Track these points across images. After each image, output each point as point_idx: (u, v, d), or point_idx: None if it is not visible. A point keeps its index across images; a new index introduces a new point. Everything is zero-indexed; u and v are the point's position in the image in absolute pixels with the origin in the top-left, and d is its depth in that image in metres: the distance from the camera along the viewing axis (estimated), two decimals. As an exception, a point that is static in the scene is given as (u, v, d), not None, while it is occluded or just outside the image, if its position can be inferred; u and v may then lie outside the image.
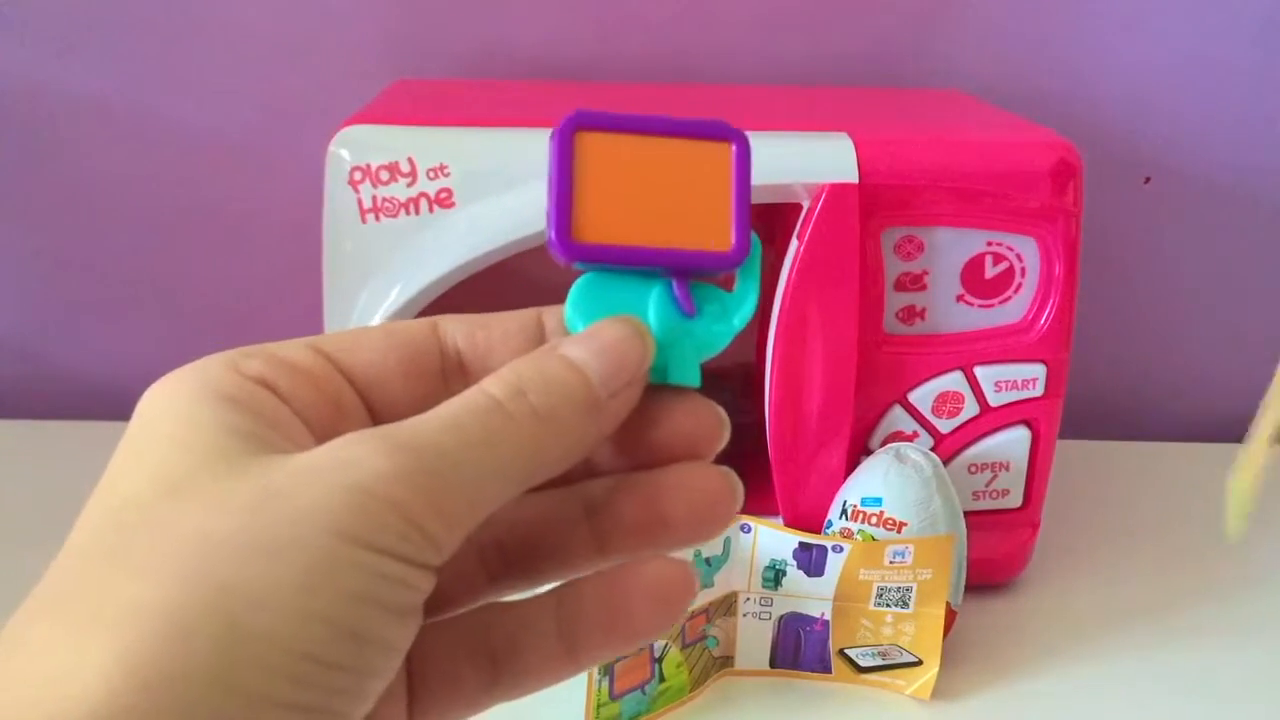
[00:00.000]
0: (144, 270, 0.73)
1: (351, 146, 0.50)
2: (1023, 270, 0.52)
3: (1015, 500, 0.56)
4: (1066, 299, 0.52)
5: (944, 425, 0.53)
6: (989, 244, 0.52)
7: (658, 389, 0.25)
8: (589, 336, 0.24)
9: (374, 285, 0.50)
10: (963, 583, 0.52)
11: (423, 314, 0.51)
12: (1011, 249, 0.52)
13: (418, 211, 0.50)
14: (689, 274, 0.26)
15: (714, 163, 0.26)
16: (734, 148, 0.26)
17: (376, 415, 0.25)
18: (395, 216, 0.50)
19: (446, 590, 0.24)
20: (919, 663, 0.50)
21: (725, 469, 0.25)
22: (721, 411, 0.25)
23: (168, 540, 0.20)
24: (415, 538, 0.21)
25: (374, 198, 0.50)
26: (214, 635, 0.19)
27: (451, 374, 0.25)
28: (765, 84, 0.70)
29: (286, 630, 0.19)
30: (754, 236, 0.26)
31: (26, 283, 0.74)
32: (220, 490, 0.20)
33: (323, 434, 0.23)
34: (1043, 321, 0.53)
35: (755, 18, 0.69)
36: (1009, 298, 0.53)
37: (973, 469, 0.54)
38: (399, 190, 0.49)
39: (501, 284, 0.55)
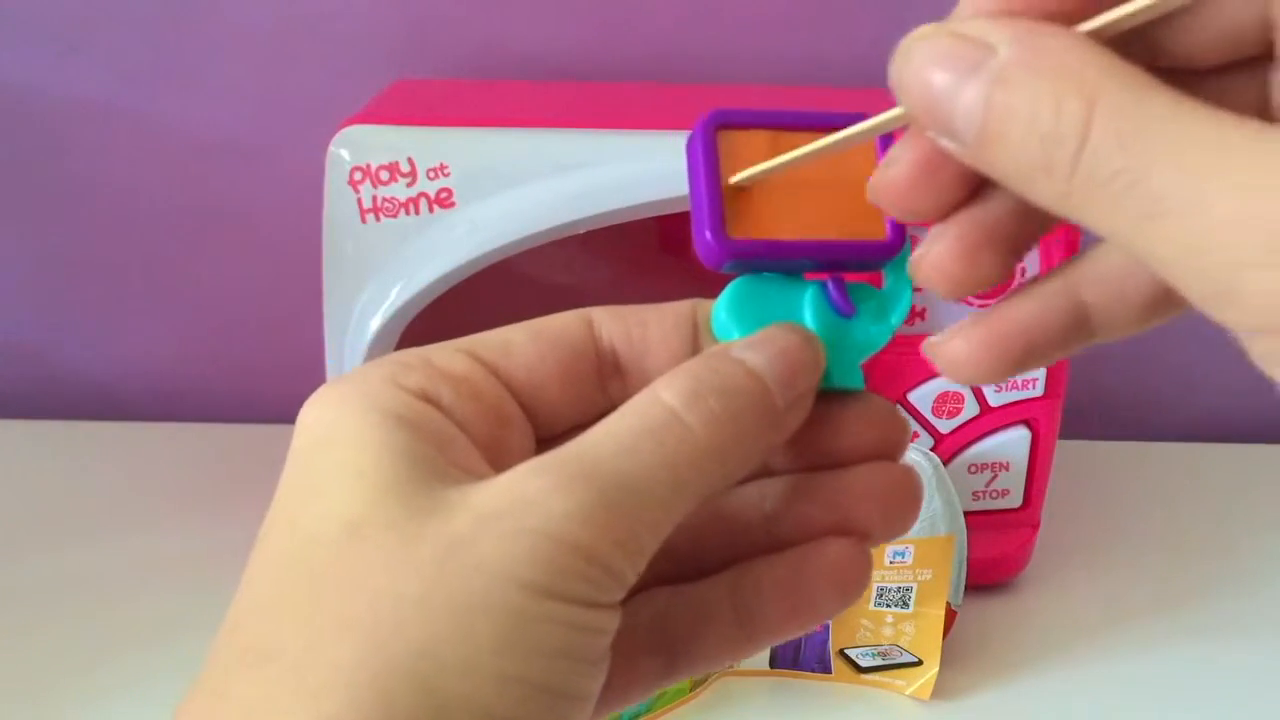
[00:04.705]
0: (144, 270, 0.73)
1: (351, 146, 0.50)
2: (1023, 270, 0.52)
3: (1015, 500, 0.56)
4: (1066, 299, 0.52)
5: (944, 425, 0.53)
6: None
7: (824, 394, 0.24)
8: (761, 343, 0.23)
9: (374, 285, 0.50)
10: (963, 583, 0.52)
11: (423, 314, 0.51)
12: (1011, 249, 0.52)
13: (418, 211, 0.50)
14: (844, 270, 0.25)
15: (858, 155, 0.25)
16: (877, 138, 0.25)
17: (536, 421, 0.24)
18: (395, 216, 0.50)
19: None
20: (919, 663, 0.50)
21: (909, 466, 0.25)
22: (901, 412, 0.25)
23: (359, 599, 0.19)
24: (602, 579, 0.20)
25: (374, 198, 0.50)
26: (415, 703, 0.19)
27: (607, 374, 0.25)
28: (766, 84, 0.70)
29: (485, 694, 0.19)
30: (906, 232, 0.25)
31: (27, 283, 0.74)
32: (403, 538, 0.20)
33: (487, 447, 0.23)
34: (1043, 321, 0.52)
35: (756, 18, 0.69)
36: (1009, 298, 0.53)
37: (973, 469, 0.54)
38: (399, 190, 0.49)
39: (501, 284, 0.55)
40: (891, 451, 0.25)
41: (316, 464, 0.21)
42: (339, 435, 0.22)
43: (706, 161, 0.24)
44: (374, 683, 0.19)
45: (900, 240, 0.25)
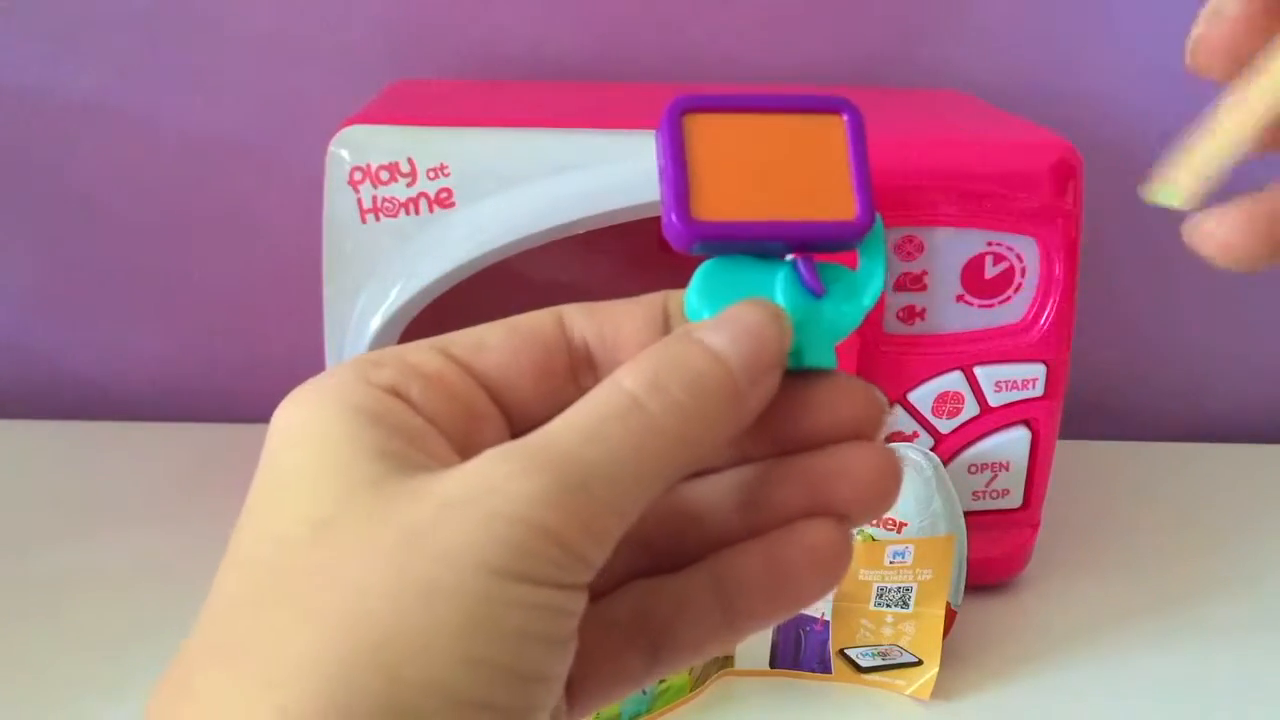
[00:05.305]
0: (144, 270, 0.73)
1: (351, 146, 0.50)
2: (1023, 270, 0.52)
3: (1015, 500, 0.56)
4: (1066, 299, 0.52)
5: (944, 425, 0.53)
6: (989, 244, 0.52)
7: (797, 374, 0.24)
8: (724, 322, 0.23)
9: (374, 285, 0.50)
10: (963, 583, 0.52)
11: (423, 314, 0.51)
12: (1011, 249, 0.52)
13: (418, 211, 0.50)
14: (814, 249, 0.25)
15: (827, 136, 0.25)
16: (846, 118, 0.25)
17: (510, 416, 0.24)
18: (395, 216, 0.50)
19: (593, 589, 0.22)
20: (919, 663, 0.50)
21: (886, 446, 0.24)
22: (877, 389, 0.25)
23: (324, 589, 0.20)
24: (567, 561, 0.20)
25: (374, 198, 0.50)
26: (377, 691, 0.19)
27: (580, 369, 0.25)
28: (766, 84, 0.70)
29: (449, 679, 0.19)
30: (875, 212, 0.25)
31: (27, 283, 0.74)
32: (369, 529, 0.20)
33: (458, 441, 0.23)
34: (1043, 321, 0.53)
35: (756, 18, 0.69)
36: (1009, 298, 0.53)
37: (973, 469, 0.54)
38: (399, 190, 0.49)
39: (501, 284, 0.55)
40: (868, 430, 0.24)
41: (285, 463, 0.22)
42: (307, 433, 0.22)
43: (672, 146, 0.24)
44: (336, 672, 0.19)
45: (870, 219, 0.25)
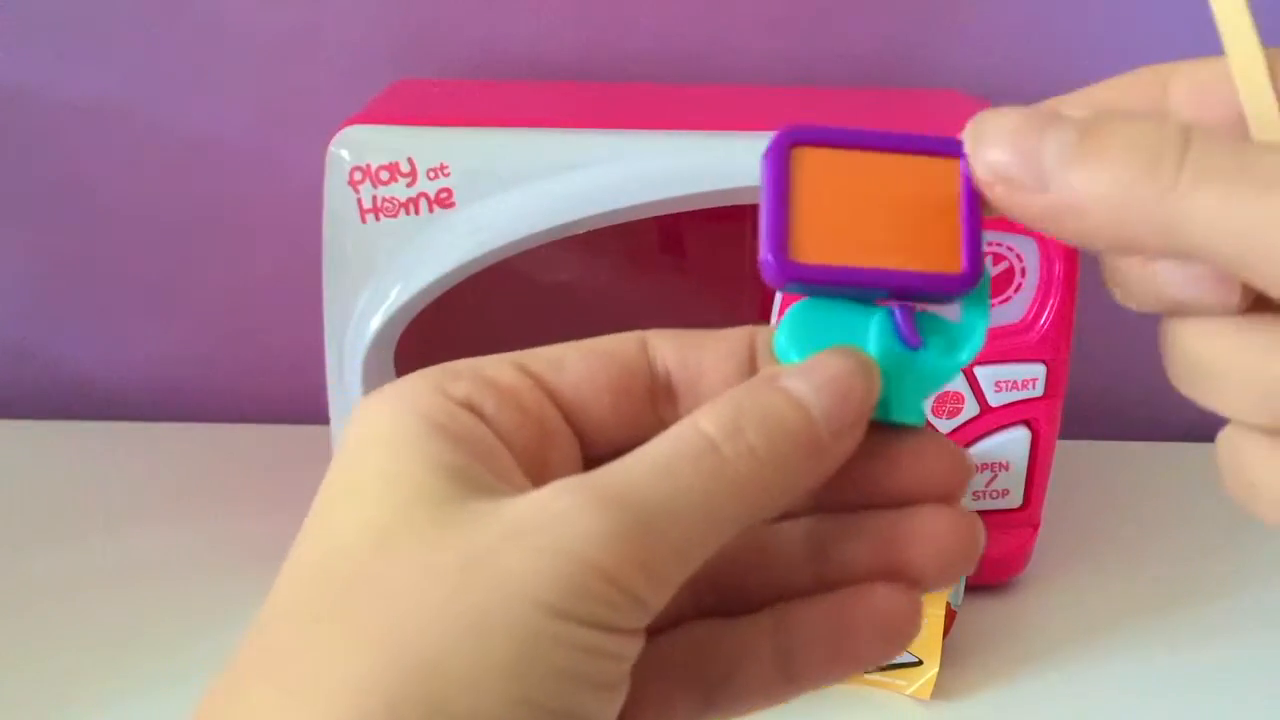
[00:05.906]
0: (144, 270, 0.73)
1: (351, 146, 0.50)
2: (1023, 270, 0.52)
3: (1015, 500, 0.56)
4: (1066, 299, 0.52)
5: (944, 425, 0.53)
6: (989, 244, 0.52)
7: (881, 427, 0.23)
8: (811, 369, 0.22)
9: (374, 285, 0.50)
10: (963, 583, 0.52)
11: (423, 314, 0.51)
12: (1011, 249, 0.52)
13: (418, 211, 0.50)
14: (913, 300, 0.24)
15: (941, 180, 0.24)
16: (964, 164, 0.24)
17: (583, 437, 0.24)
18: (395, 216, 0.50)
19: (651, 623, 0.22)
20: (919, 663, 0.50)
21: (971, 513, 0.23)
22: (966, 453, 0.24)
23: (378, 606, 0.19)
24: (622, 603, 0.20)
25: (374, 198, 0.49)
26: (420, 717, 0.18)
27: (660, 396, 0.24)
28: (766, 84, 0.70)
29: (493, 714, 0.19)
30: (985, 262, 0.24)
31: (27, 283, 0.74)
32: (427, 549, 0.20)
33: (528, 459, 0.22)
34: (1043, 321, 0.53)
35: (756, 19, 0.69)
36: (1009, 298, 0.53)
37: (972, 469, 0.54)
38: (399, 190, 0.49)
39: (501, 284, 0.55)
40: (951, 494, 0.23)
41: (354, 468, 0.22)
42: (376, 440, 0.22)
43: (775, 179, 0.23)
44: (382, 695, 0.19)
45: (977, 274, 0.24)
